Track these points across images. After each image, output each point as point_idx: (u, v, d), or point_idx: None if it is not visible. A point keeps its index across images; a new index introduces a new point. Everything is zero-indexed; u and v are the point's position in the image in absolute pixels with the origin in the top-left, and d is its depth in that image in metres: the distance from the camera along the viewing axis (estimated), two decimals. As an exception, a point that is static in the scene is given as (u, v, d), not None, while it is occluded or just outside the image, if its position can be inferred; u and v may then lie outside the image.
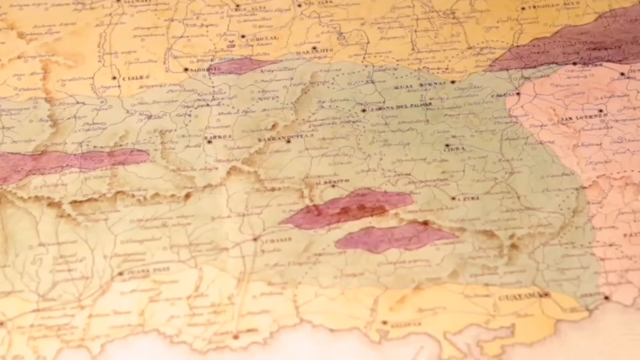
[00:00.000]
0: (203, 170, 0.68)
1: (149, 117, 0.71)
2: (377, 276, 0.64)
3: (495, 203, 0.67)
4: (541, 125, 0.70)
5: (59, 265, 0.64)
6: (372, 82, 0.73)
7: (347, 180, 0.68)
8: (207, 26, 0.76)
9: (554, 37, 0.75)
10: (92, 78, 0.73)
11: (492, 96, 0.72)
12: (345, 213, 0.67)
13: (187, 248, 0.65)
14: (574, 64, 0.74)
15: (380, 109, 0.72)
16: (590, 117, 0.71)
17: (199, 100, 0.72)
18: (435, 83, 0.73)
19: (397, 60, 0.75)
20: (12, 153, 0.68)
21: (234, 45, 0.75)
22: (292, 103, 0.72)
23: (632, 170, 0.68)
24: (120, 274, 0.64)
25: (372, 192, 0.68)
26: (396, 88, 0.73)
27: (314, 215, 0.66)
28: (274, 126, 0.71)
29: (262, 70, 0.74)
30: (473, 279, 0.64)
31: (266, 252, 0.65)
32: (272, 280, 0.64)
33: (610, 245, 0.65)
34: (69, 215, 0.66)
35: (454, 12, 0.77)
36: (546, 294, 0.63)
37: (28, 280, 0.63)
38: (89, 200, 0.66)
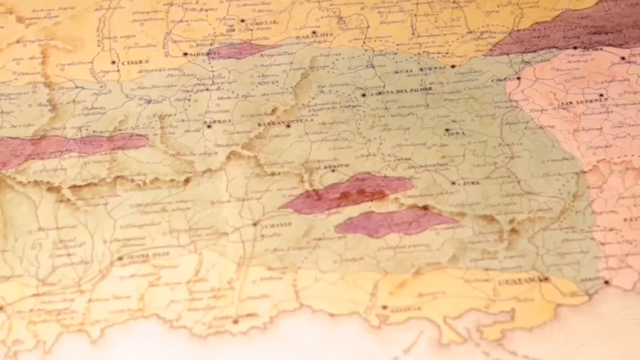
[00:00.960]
0: (203, 154, 0.68)
1: (149, 101, 0.70)
2: (377, 261, 0.64)
3: (496, 188, 0.67)
4: (541, 110, 0.70)
5: (59, 250, 0.63)
6: (372, 66, 0.73)
7: (347, 165, 0.68)
8: (206, 10, 0.76)
9: (554, 22, 0.75)
10: (92, 62, 0.73)
11: (492, 81, 0.72)
12: (345, 198, 0.67)
13: (187, 233, 0.65)
14: (575, 48, 0.73)
15: (380, 93, 0.71)
16: (591, 101, 0.71)
17: (198, 84, 0.72)
18: (436, 67, 0.73)
19: (397, 45, 0.74)
20: (12, 137, 0.68)
21: (233, 30, 0.75)
22: (291, 87, 0.72)
23: (633, 155, 0.68)
24: (120, 258, 0.63)
25: (372, 177, 0.67)
26: (396, 72, 0.73)
27: (314, 200, 0.66)
28: (273, 111, 0.71)
29: (261, 55, 0.74)
30: (473, 264, 0.64)
31: (266, 237, 0.65)
32: (272, 265, 0.64)
33: (611, 229, 0.65)
34: (68, 199, 0.65)
35: (454, -4, 0.77)
36: (546, 279, 0.63)
37: (27, 264, 0.63)
38: (88, 184, 0.66)
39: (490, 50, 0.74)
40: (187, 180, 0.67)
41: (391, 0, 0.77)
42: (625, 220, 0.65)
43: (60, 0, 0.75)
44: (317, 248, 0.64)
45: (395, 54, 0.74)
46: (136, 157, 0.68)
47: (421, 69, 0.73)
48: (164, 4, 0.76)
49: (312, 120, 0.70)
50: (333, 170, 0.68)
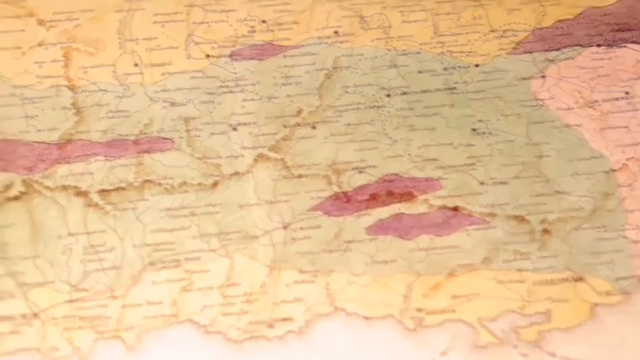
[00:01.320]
0: (229, 157, 0.68)
1: (173, 104, 0.70)
2: (409, 263, 0.63)
3: (525, 187, 0.67)
4: (567, 109, 0.70)
5: (89, 255, 0.63)
6: (396, 66, 0.73)
7: (374, 166, 0.68)
8: (227, 12, 0.75)
9: (577, 19, 0.75)
10: (114, 65, 0.72)
11: (516, 79, 0.72)
12: (374, 199, 0.66)
13: (217, 237, 0.64)
14: (598, 45, 0.73)
15: (404, 93, 0.71)
16: (617, 99, 0.70)
17: (222, 87, 0.71)
18: (459, 67, 0.73)
19: (420, 44, 0.74)
20: (37, 142, 0.67)
21: (254, 31, 0.74)
22: (315, 88, 0.71)
23: (662, 153, 0.68)
24: (151, 263, 0.63)
25: (400, 178, 0.67)
26: (420, 72, 0.72)
27: (343, 202, 0.66)
28: (298, 112, 0.70)
29: (284, 56, 0.73)
30: (506, 265, 0.63)
31: (296, 240, 0.64)
32: (304, 268, 0.63)
33: (644, 228, 0.64)
34: (96, 204, 0.65)
35: (475, -5, 0.76)
36: (580, 279, 0.63)
37: (59, 270, 0.62)
38: (116, 189, 0.66)
39: (514, 48, 0.74)
40: (214, 184, 0.67)
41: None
42: (658, 218, 0.65)
43: (80, 3, 0.75)
44: (348, 250, 0.64)
45: (418, 53, 0.73)
46: (163, 160, 0.67)
47: (445, 69, 0.73)
48: (185, 5, 0.75)
49: (337, 121, 0.70)
50: (361, 172, 0.67)
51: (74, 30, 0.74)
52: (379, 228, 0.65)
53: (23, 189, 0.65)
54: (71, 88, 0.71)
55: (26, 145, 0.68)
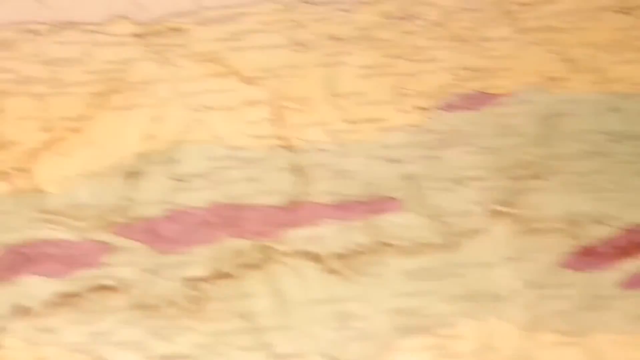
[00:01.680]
0: (461, 215, 0.64)
1: (394, 161, 0.67)
2: (674, 318, 0.60)
3: None
4: None
5: (338, 323, 0.60)
6: (617, 110, 0.69)
7: (614, 217, 0.64)
8: (432, 61, 0.72)
9: None
10: (325, 123, 0.69)
11: None
12: (620, 252, 0.62)
13: (463, 298, 0.61)
14: None
15: (632, 138, 0.67)
16: None
17: (440, 140, 0.68)
18: (685, 107, 0.69)
19: (638, 85, 0.70)
20: (264, 205, 0.64)
21: (463, 79, 0.71)
22: (537, 137, 0.68)
23: None
24: (402, 329, 0.59)
25: (644, 228, 0.63)
26: (644, 115, 0.69)
27: (589, 256, 0.62)
28: (525, 163, 0.67)
29: (498, 104, 0.70)
30: None
31: (547, 299, 0.61)
32: (561, 329, 0.60)
33: None
34: (335, 269, 0.62)
35: (686, 31, 0.73)
36: None
37: (308, 340, 0.59)
38: (353, 253, 0.62)
39: None
40: (451, 243, 0.63)
41: (619, 39, 0.73)
42: None
43: (281, 58, 0.72)
44: (604, 308, 0.60)
45: (638, 95, 0.70)
46: (394, 221, 0.64)
47: (670, 109, 0.69)
48: (388, 57, 0.72)
49: (567, 171, 0.66)
50: (601, 224, 0.63)
51: (280, 87, 0.71)
52: (633, 282, 0.61)
53: (261, 256, 0.62)
54: (288, 148, 0.68)
55: (254, 209, 0.65)
